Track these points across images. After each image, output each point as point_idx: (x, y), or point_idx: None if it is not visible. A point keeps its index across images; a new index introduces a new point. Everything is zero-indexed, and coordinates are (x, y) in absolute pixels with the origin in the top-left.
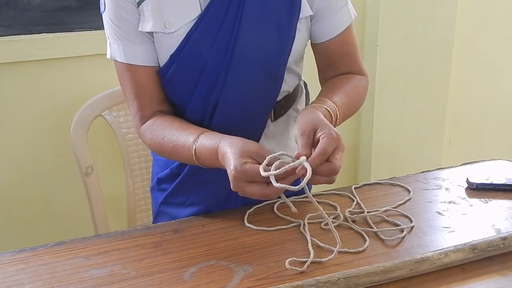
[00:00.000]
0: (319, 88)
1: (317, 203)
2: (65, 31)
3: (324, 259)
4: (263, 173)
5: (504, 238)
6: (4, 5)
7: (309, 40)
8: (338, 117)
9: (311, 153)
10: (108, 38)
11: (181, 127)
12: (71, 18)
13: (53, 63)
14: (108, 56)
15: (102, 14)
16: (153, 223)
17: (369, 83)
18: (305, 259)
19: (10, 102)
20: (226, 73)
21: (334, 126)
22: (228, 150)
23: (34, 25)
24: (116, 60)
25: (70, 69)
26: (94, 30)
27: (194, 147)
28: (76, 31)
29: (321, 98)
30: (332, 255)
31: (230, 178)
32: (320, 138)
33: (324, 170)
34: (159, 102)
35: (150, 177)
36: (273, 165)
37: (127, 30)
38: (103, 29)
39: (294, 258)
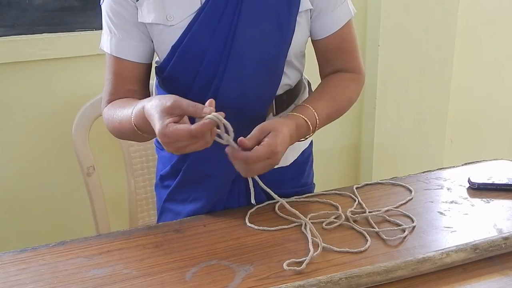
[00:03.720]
0: None
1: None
2: (67, 31)
3: (314, 254)
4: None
5: (506, 238)
6: (6, 5)
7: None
8: (317, 125)
9: (251, 146)
10: (103, 29)
11: (126, 104)
12: (73, 18)
13: (54, 63)
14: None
15: (101, 6)
16: (157, 219)
17: (364, 81)
18: (303, 259)
19: (12, 102)
20: (225, 64)
21: (313, 133)
22: (152, 113)
23: (36, 25)
24: (104, 50)
25: (72, 69)
26: (95, 30)
27: (132, 117)
28: (78, 31)
29: (305, 104)
30: (307, 259)
31: (160, 141)
32: (262, 142)
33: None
34: (126, 93)
35: (151, 176)
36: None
37: (119, 24)
38: None
39: (294, 259)
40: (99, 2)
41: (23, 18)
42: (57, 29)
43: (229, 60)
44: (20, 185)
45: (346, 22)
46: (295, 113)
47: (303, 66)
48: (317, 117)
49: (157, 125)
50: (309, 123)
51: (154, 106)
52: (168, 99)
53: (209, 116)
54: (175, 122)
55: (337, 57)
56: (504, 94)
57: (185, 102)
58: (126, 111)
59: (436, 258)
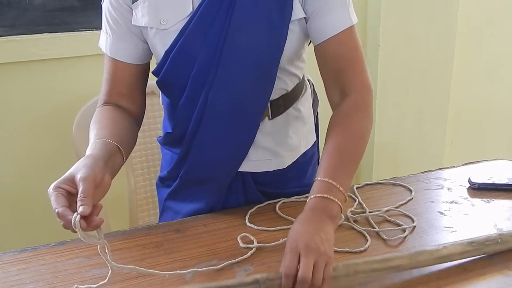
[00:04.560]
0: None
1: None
2: (67, 31)
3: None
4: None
5: (501, 235)
6: (6, 5)
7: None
8: (345, 199)
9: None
10: (102, 27)
11: (98, 129)
12: (73, 18)
13: (55, 63)
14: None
15: (102, 5)
16: (159, 217)
17: (372, 97)
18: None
19: (13, 101)
20: (216, 70)
21: (344, 194)
22: (72, 167)
23: (36, 25)
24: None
25: (72, 68)
26: (95, 30)
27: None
28: (78, 31)
29: (329, 182)
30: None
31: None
32: None
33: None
34: (117, 96)
35: (152, 176)
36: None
37: (114, 26)
38: None
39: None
40: (101, 1)
41: (23, 18)
42: (57, 29)
43: (220, 65)
44: (20, 184)
45: (346, 29)
46: (326, 197)
47: (301, 70)
48: (344, 193)
49: (60, 178)
50: (341, 205)
51: (76, 165)
52: (84, 173)
53: (76, 212)
54: (67, 191)
55: (339, 65)
56: (504, 94)
57: (83, 188)
58: (90, 136)
59: (433, 250)
